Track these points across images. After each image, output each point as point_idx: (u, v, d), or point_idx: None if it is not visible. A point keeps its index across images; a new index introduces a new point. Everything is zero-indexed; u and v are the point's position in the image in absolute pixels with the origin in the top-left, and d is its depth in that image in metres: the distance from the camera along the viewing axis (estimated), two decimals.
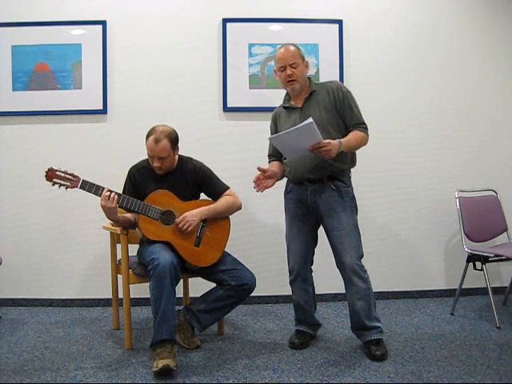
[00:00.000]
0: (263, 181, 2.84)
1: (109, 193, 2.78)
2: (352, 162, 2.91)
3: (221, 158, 3.67)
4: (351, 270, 2.78)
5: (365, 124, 2.86)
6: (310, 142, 2.62)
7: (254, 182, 2.83)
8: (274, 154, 3.05)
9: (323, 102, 2.83)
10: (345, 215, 2.82)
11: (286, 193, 3.01)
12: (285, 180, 3.02)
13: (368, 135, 2.86)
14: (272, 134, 3.02)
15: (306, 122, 2.56)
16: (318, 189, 2.85)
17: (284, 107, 2.96)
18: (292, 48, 2.86)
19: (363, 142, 2.84)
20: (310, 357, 2.83)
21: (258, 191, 2.85)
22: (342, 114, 2.83)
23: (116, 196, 2.79)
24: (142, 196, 2.89)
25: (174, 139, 2.91)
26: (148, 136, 2.89)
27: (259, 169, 2.82)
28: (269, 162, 3.07)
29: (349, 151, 2.81)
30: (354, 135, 2.80)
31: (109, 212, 2.82)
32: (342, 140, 2.72)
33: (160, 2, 3.79)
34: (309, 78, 2.92)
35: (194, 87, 3.81)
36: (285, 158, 2.95)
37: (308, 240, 2.96)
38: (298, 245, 2.95)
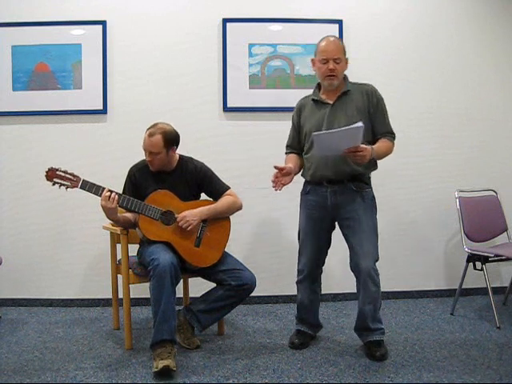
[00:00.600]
0: (280, 178, 2.77)
1: (109, 193, 2.78)
2: (374, 165, 2.88)
3: (221, 158, 3.67)
4: (367, 274, 2.75)
5: (394, 134, 2.84)
6: (349, 144, 2.58)
7: (272, 181, 2.77)
8: (294, 146, 2.98)
9: (357, 104, 2.79)
10: (365, 217, 2.79)
11: (304, 193, 2.95)
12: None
13: (394, 145, 2.83)
14: (294, 124, 2.97)
15: (357, 125, 2.54)
16: (338, 190, 2.80)
17: (313, 99, 2.89)
18: (338, 42, 2.80)
19: (390, 152, 2.82)
20: (310, 357, 2.83)
21: (276, 190, 2.78)
22: (374, 119, 2.79)
23: (116, 196, 2.79)
24: (142, 196, 2.89)
25: (169, 138, 2.90)
26: (147, 129, 2.92)
27: (276, 167, 2.76)
28: (286, 152, 3.01)
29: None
30: (384, 144, 2.78)
31: (109, 212, 2.82)
32: (374, 147, 2.69)
33: (160, 2, 3.79)
34: (344, 75, 2.87)
35: (194, 87, 3.81)
36: (306, 153, 2.87)
37: (322, 243, 2.93)
38: (312, 248, 2.91)
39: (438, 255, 3.98)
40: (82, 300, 3.81)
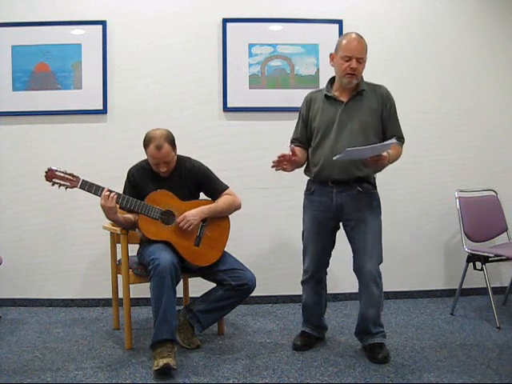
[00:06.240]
0: (285, 162, 2.68)
1: (108, 192, 2.79)
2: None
3: (221, 158, 3.67)
4: (371, 277, 2.74)
5: (404, 138, 2.84)
6: (374, 154, 2.59)
7: (278, 157, 2.65)
8: (300, 139, 2.89)
9: (370, 105, 2.76)
10: (371, 220, 2.77)
11: (308, 193, 2.90)
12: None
13: (402, 150, 2.83)
14: (302, 117, 2.89)
15: (390, 141, 2.57)
16: (344, 190, 2.76)
17: (325, 95, 2.80)
18: (363, 41, 2.72)
19: (399, 157, 2.82)
20: (310, 357, 2.83)
21: (273, 167, 2.68)
22: (386, 122, 2.78)
23: (115, 195, 2.80)
24: (141, 196, 2.89)
25: (172, 141, 2.91)
26: (147, 144, 2.87)
27: (292, 149, 2.67)
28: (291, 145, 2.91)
29: None
30: (397, 149, 2.78)
31: (108, 212, 2.82)
32: (389, 152, 2.68)
33: (160, 2, 3.79)
34: None
35: (194, 87, 3.81)
36: (314, 149, 2.80)
37: (327, 244, 2.89)
38: (316, 248, 2.87)
39: (438, 255, 3.98)
40: (82, 300, 3.81)
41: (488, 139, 3.99)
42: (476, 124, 3.98)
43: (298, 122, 2.95)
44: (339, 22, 3.82)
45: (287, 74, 3.83)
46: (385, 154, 2.61)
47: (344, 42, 2.73)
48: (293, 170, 2.78)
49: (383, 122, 2.79)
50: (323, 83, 3.75)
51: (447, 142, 3.95)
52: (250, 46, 3.81)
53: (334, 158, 2.60)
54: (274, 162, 2.68)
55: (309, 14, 3.83)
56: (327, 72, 3.78)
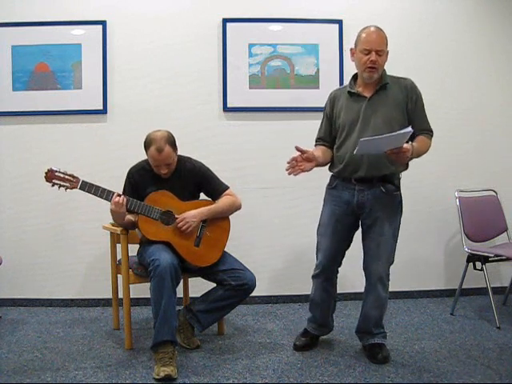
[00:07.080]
0: (300, 163, 2.62)
1: (118, 198, 2.77)
2: (406, 165, 2.78)
3: (221, 158, 3.67)
4: (378, 277, 2.73)
5: (432, 131, 2.77)
6: (393, 145, 2.52)
7: (288, 162, 2.60)
8: (324, 138, 2.85)
9: (394, 99, 2.70)
10: (388, 221, 2.73)
11: (330, 188, 2.85)
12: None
13: (431, 142, 2.75)
14: (327, 115, 2.85)
15: (406, 130, 2.48)
16: (367, 189, 2.71)
17: (349, 92, 2.76)
18: (382, 33, 2.66)
19: (427, 150, 2.74)
20: (310, 357, 2.83)
21: (290, 174, 2.62)
22: (412, 116, 2.72)
23: (125, 200, 2.78)
24: (141, 197, 2.89)
25: (173, 142, 2.91)
26: (148, 146, 2.87)
27: (297, 148, 2.58)
28: (315, 145, 2.87)
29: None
30: (423, 142, 2.70)
31: (118, 217, 2.82)
32: (414, 144, 2.59)
33: (160, 2, 3.79)
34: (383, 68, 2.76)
35: (194, 87, 3.81)
36: (338, 147, 2.76)
37: (341, 241, 2.84)
38: (330, 243, 2.82)
39: (438, 255, 3.98)
40: (82, 300, 3.81)
41: (488, 139, 3.99)
42: (476, 124, 3.98)
43: (322, 121, 2.91)
44: (339, 22, 3.82)
45: (287, 73, 3.83)
46: (406, 146, 2.53)
47: (363, 35, 2.68)
48: (312, 168, 2.69)
49: (409, 114, 2.72)
50: (323, 83, 3.80)
51: (447, 142, 3.95)
52: (250, 46, 3.80)
53: (354, 152, 2.56)
54: (287, 169, 2.62)
55: (309, 14, 3.83)
56: (327, 72, 3.83)
